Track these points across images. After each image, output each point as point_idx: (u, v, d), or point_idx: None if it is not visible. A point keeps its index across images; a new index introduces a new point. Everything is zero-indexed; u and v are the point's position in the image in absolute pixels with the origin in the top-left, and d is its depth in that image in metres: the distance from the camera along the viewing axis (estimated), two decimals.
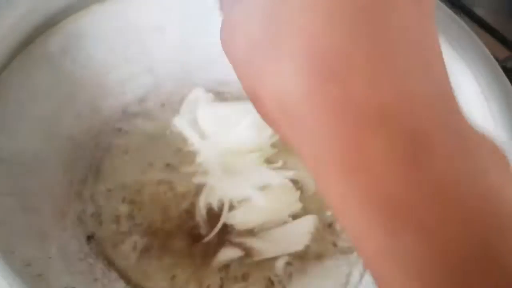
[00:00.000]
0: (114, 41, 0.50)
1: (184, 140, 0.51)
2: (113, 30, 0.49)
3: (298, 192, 0.49)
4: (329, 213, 0.49)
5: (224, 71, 0.55)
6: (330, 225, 0.49)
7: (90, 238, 0.45)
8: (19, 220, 0.41)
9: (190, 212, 0.47)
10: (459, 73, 0.45)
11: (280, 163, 0.49)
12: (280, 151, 0.50)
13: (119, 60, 0.51)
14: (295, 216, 0.48)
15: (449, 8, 0.48)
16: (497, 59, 0.45)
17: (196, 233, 0.46)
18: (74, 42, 0.47)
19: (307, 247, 0.47)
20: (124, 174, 0.49)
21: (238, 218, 0.47)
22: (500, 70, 0.45)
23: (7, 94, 0.42)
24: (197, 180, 0.48)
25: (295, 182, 0.49)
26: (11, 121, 0.42)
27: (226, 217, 0.46)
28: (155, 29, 0.52)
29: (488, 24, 0.64)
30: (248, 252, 0.46)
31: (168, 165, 0.50)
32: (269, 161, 0.50)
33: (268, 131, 0.50)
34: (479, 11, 0.68)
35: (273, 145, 0.50)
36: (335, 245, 0.48)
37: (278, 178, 0.48)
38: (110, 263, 0.44)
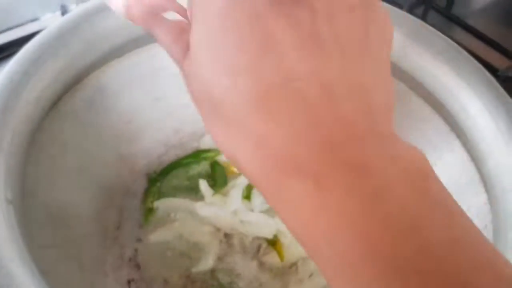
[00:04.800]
0: (133, 91, 0.51)
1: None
2: (131, 81, 0.51)
3: None
4: None
5: None
6: None
7: (130, 282, 0.45)
8: (62, 270, 0.41)
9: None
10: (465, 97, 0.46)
11: None
12: None
13: (139, 108, 0.52)
14: None
15: (445, 20, 0.50)
16: (497, 69, 0.47)
17: None
18: (97, 96, 0.48)
19: None
20: None
21: None
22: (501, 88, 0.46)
23: (40, 151, 0.42)
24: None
25: None
26: (46, 176, 0.42)
27: None
28: (171, 76, 0.53)
29: (485, 35, 0.65)
30: None
31: None
32: None
33: None
34: (474, 22, 0.69)
35: None
36: None
37: None
38: None
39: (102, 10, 0.45)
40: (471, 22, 0.72)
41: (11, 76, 0.39)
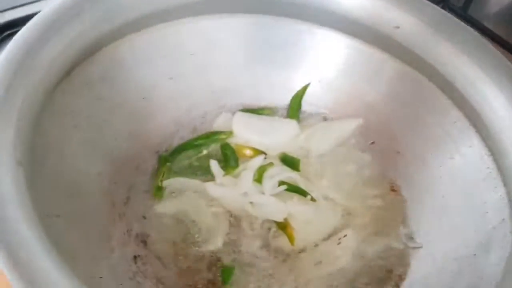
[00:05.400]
0: (148, 68, 0.50)
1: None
2: (148, 57, 0.50)
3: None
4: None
5: (250, 97, 0.57)
6: None
7: (136, 258, 0.44)
8: (68, 242, 0.39)
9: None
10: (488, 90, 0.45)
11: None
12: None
13: (154, 86, 0.51)
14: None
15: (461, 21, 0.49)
16: None
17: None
18: (113, 69, 0.47)
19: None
20: None
21: None
22: None
23: (51, 119, 0.41)
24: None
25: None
26: (56, 145, 0.41)
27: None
28: (187, 55, 0.52)
29: (500, 37, 0.64)
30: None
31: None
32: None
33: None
34: (489, 24, 0.68)
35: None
36: None
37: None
38: (158, 282, 0.43)
39: None
40: (486, 24, 0.71)
41: (25, 40, 0.38)
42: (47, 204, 0.37)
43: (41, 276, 0.29)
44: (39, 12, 0.66)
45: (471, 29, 0.48)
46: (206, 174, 0.50)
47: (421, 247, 0.48)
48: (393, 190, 0.51)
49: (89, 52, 0.45)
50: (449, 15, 0.49)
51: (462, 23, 0.49)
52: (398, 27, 0.49)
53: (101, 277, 0.39)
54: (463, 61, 0.47)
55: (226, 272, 0.44)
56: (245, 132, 0.54)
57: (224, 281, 0.43)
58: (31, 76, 0.37)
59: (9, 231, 0.30)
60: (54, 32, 0.39)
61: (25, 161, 0.34)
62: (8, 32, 0.65)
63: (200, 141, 0.53)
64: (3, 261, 0.29)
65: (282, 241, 0.46)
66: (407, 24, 0.49)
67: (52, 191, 0.39)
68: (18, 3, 0.69)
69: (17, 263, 0.29)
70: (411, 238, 0.49)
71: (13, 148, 0.33)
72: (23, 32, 0.38)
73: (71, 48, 0.41)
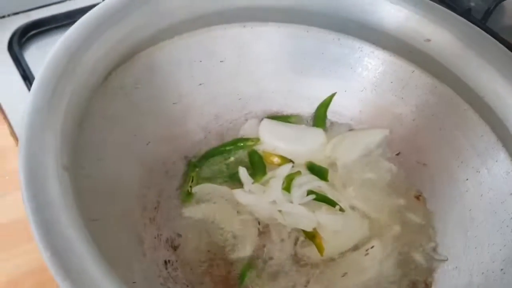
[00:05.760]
0: (180, 74, 0.50)
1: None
2: (180, 64, 0.50)
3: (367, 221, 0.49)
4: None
5: (277, 105, 0.57)
6: None
7: (166, 263, 0.44)
8: (104, 246, 0.40)
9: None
10: None
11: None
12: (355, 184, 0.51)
13: (185, 91, 0.51)
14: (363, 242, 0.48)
15: None
16: None
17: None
18: (146, 74, 0.47)
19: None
20: None
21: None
22: None
23: (91, 124, 0.41)
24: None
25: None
26: (95, 149, 0.42)
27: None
28: (217, 62, 0.53)
29: None
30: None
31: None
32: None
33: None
34: (509, 37, 0.69)
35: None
36: None
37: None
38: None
39: None
40: (506, 36, 0.71)
41: (71, 42, 0.38)
42: (88, 208, 0.37)
43: (90, 281, 0.29)
44: (64, 12, 0.67)
45: (501, 45, 0.49)
46: (234, 180, 0.51)
47: (446, 260, 0.48)
48: (419, 202, 0.52)
49: (125, 57, 0.45)
50: (479, 30, 0.50)
51: (493, 38, 0.49)
52: (429, 40, 0.50)
53: (134, 282, 0.39)
54: (493, 76, 0.47)
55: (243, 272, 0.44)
56: (272, 139, 0.54)
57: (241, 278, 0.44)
58: (76, 79, 0.37)
59: (57, 235, 0.30)
60: (98, 36, 0.39)
61: (70, 165, 0.34)
62: (34, 31, 0.65)
63: (227, 148, 0.53)
64: (52, 265, 0.29)
65: (310, 251, 0.46)
66: (438, 38, 0.49)
67: (92, 195, 0.39)
68: (43, 3, 0.70)
69: (67, 269, 0.29)
70: (436, 250, 0.49)
71: (60, 153, 0.33)
72: (69, 34, 0.38)
73: (112, 53, 0.41)
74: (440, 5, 0.51)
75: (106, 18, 0.40)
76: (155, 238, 0.45)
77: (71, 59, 0.37)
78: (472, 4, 0.81)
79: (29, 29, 0.65)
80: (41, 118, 0.34)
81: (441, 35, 0.49)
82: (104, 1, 0.41)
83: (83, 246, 0.30)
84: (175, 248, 0.45)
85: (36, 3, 0.69)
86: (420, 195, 0.52)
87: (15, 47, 0.61)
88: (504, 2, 0.75)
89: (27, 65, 0.59)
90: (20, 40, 0.63)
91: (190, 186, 0.49)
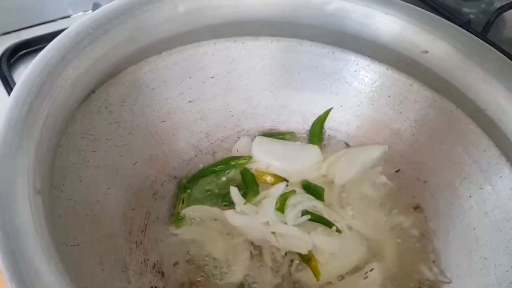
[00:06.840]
0: (168, 91, 0.49)
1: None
2: (168, 80, 0.48)
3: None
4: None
5: (270, 121, 0.55)
6: None
7: None
8: (83, 273, 0.38)
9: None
10: None
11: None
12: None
13: (173, 109, 0.49)
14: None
15: None
16: None
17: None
18: (132, 92, 0.45)
19: None
20: None
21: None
22: None
23: (70, 144, 0.40)
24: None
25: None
26: (74, 171, 0.40)
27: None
28: (207, 78, 0.51)
29: None
30: None
31: None
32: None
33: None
34: (508, 49, 0.67)
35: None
36: None
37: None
38: None
39: (146, 2, 0.43)
40: (507, 48, 0.69)
41: (48, 61, 0.36)
42: (64, 233, 0.35)
43: None
44: (53, 32, 0.66)
45: (502, 55, 0.47)
46: (226, 201, 0.48)
47: (450, 282, 0.45)
48: (420, 220, 0.49)
49: (109, 75, 0.43)
50: (479, 40, 0.48)
51: (493, 49, 0.47)
52: (426, 52, 0.48)
53: None
54: (495, 88, 0.45)
55: None
56: (265, 158, 0.52)
57: None
58: (53, 98, 0.35)
59: (25, 265, 0.28)
60: (77, 53, 0.37)
61: (43, 188, 0.32)
62: (24, 51, 0.64)
63: (219, 167, 0.51)
64: None
65: (305, 275, 0.44)
66: (436, 49, 0.47)
67: (71, 219, 0.37)
68: (33, 23, 0.69)
69: None
70: (440, 272, 0.46)
71: (32, 175, 0.31)
72: (46, 53, 0.36)
73: (93, 71, 0.39)
74: (439, 17, 0.49)
75: (86, 34, 0.38)
76: (141, 263, 0.43)
77: (48, 78, 0.35)
78: (472, 16, 0.80)
79: (19, 49, 0.64)
80: (13, 139, 0.32)
81: (439, 46, 0.47)
82: (86, 16, 0.40)
83: (52, 277, 0.28)
84: (162, 273, 0.43)
85: (27, 22, 0.69)
86: (421, 214, 0.50)
87: (4, 67, 0.60)
88: (505, 13, 0.73)
89: (15, 84, 0.58)
90: (9, 60, 0.62)
91: (181, 208, 0.47)
